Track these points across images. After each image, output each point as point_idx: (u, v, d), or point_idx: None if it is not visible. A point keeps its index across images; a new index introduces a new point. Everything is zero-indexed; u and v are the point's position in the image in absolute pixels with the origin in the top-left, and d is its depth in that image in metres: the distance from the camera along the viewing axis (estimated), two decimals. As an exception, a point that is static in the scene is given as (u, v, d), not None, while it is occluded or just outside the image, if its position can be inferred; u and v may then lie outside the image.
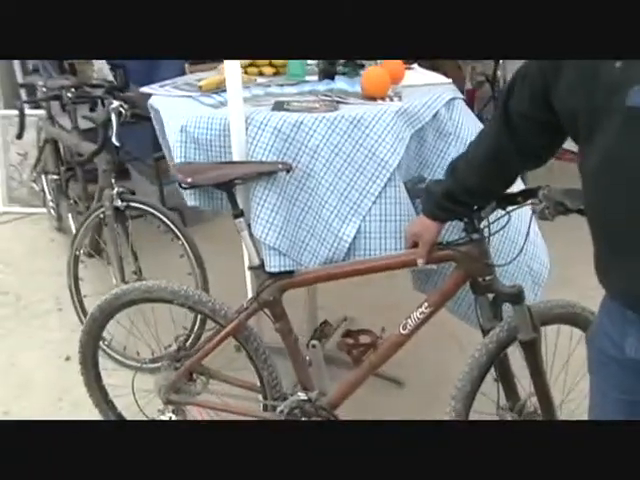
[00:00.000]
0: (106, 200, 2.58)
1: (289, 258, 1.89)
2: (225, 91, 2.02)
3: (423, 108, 1.93)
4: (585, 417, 1.41)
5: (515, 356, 1.81)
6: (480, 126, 2.15)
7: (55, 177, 3.43)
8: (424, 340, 2.05)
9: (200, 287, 2.55)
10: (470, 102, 4.62)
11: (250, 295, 2.07)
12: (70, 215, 3.23)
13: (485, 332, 1.81)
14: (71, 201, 3.38)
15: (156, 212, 2.55)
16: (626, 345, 1.20)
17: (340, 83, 2.10)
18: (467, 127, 2.04)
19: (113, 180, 2.59)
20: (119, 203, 2.57)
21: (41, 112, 3.50)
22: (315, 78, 2.22)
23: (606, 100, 1.08)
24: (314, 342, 2.02)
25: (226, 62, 1.78)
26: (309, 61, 2.25)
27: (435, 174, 1.97)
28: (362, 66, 2.31)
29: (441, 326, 2.19)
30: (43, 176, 3.55)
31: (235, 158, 1.87)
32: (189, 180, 1.78)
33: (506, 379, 1.86)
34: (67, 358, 2.73)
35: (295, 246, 1.90)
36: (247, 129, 1.83)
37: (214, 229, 3.68)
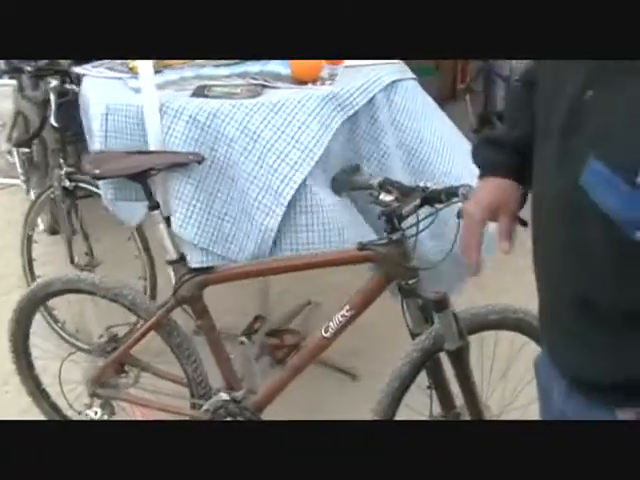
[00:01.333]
0: (55, 180, 2.50)
1: (213, 254, 1.80)
2: (157, 72, 1.92)
3: (357, 92, 1.79)
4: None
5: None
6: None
7: (26, 150, 3.36)
8: (383, 331, 1.93)
9: (147, 271, 2.48)
10: (463, 74, 4.46)
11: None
12: (32, 191, 3.17)
13: (414, 337, 1.70)
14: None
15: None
16: (554, 390, 1.04)
17: (274, 65, 1.96)
18: (411, 113, 1.89)
19: (61, 160, 2.50)
20: (67, 183, 2.49)
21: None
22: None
23: (563, 132, 0.85)
24: (242, 339, 1.94)
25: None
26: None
27: (370, 164, 1.84)
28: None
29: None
30: (14, 149, 3.48)
31: (151, 148, 1.76)
32: (97, 172, 1.68)
33: (439, 386, 1.75)
34: (21, 339, 2.69)
35: (219, 240, 1.80)
36: (162, 117, 1.72)
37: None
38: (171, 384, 2.02)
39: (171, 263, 1.79)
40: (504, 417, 1.82)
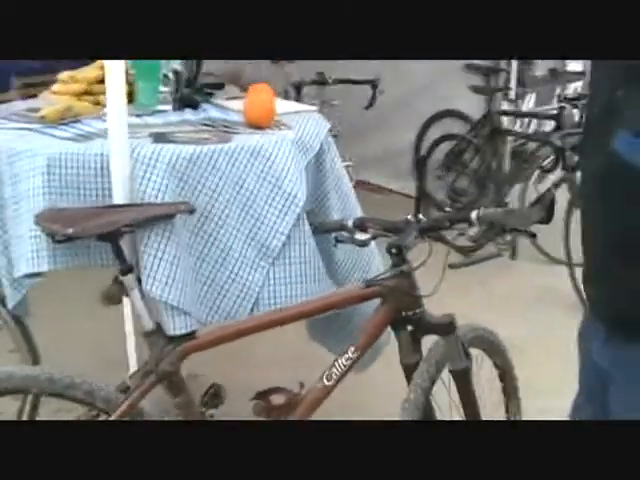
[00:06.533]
0: None
1: (191, 317, 1.60)
2: (75, 122, 1.68)
3: (314, 137, 1.80)
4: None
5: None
6: None
7: None
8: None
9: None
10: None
11: (132, 368, 1.70)
12: None
13: (407, 368, 1.71)
14: None
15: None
16: (593, 344, 1.19)
17: (213, 111, 1.86)
18: (338, 158, 1.96)
19: None
20: None
21: None
22: (168, 108, 1.94)
23: (598, 124, 1.07)
24: (211, 412, 1.73)
25: (108, 80, 1.45)
26: (162, 88, 1.95)
27: (313, 206, 1.84)
28: (210, 94, 2.09)
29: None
30: None
31: (117, 201, 1.52)
32: (70, 231, 1.39)
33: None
34: None
35: (194, 302, 1.61)
36: (134, 166, 1.51)
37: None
38: None
39: (148, 335, 1.54)
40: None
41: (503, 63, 3.81)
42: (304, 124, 1.83)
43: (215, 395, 1.82)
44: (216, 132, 1.68)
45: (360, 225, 1.70)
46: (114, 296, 2.40)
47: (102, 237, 1.45)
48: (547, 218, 1.45)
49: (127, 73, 1.90)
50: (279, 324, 1.62)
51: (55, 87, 2.05)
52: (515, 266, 3.65)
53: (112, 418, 1.52)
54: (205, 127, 1.73)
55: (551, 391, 2.40)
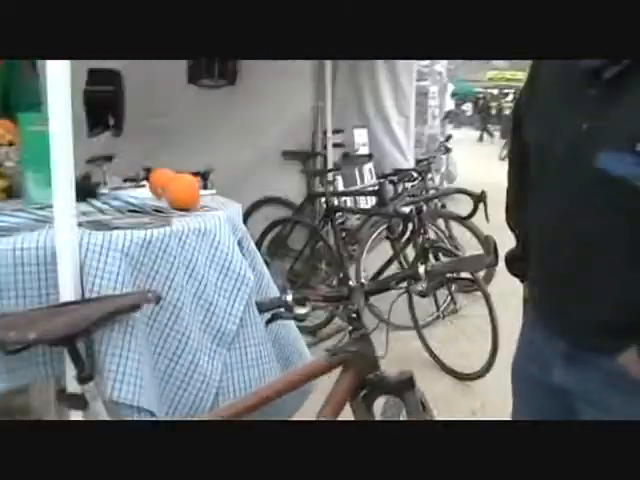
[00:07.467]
0: None
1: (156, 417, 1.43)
2: None
3: (236, 217, 1.76)
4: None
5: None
6: None
7: None
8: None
9: None
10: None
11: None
12: None
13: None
14: None
15: None
16: (554, 371, 1.23)
17: (125, 198, 1.72)
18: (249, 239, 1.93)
19: None
20: None
21: None
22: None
23: (568, 157, 1.14)
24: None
25: (54, 166, 1.28)
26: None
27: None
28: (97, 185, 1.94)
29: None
30: None
31: (65, 298, 1.32)
32: (33, 336, 1.17)
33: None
34: None
35: (157, 400, 1.45)
36: (85, 257, 1.34)
37: None
38: None
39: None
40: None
41: (318, 148, 4.11)
42: (223, 205, 1.79)
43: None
44: (151, 216, 1.56)
45: (300, 299, 1.68)
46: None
47: (57, 341, 1.25)
48: (495, 260, 1.57)
49: (2, 165, 1.73)
50: (256, 408, 1.51)
51: None
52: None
53: None
54: (134, 212, 1.59)
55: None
